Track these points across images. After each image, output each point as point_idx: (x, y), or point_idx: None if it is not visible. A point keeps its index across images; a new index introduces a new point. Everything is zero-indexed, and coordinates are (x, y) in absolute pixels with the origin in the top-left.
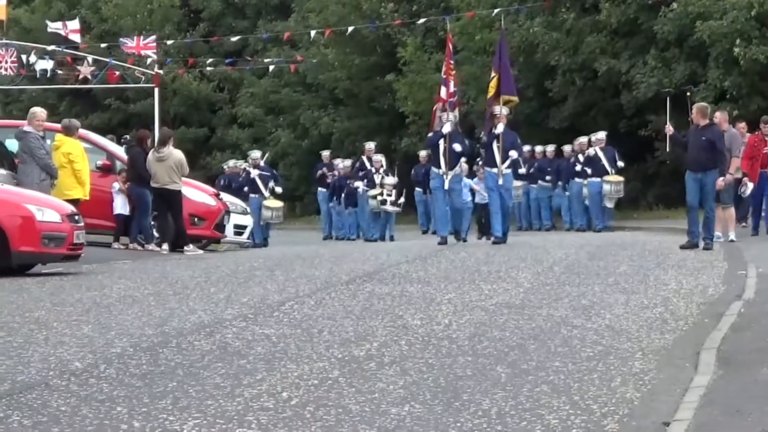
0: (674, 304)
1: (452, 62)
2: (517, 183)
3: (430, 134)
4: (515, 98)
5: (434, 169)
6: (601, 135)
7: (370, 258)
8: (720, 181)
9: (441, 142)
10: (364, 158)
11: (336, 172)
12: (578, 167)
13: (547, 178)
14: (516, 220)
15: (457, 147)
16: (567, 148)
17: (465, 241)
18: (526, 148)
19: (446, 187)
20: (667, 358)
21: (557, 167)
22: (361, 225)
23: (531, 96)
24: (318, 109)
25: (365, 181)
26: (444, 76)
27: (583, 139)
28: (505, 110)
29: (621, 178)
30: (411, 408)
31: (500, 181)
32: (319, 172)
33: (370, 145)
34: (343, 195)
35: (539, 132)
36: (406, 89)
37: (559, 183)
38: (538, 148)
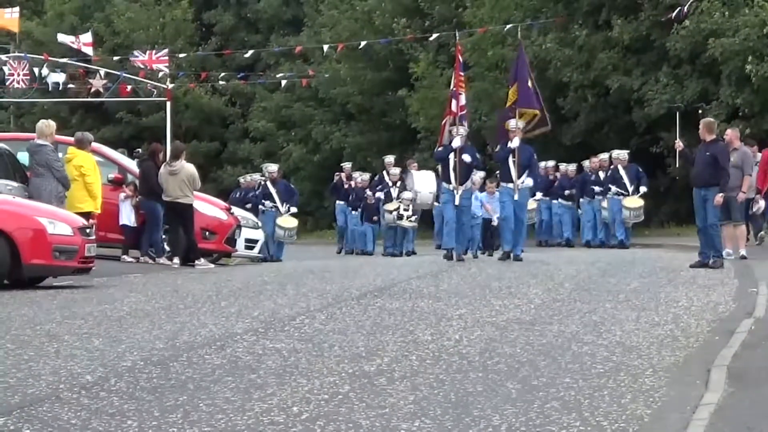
0: (685, 321)
1: (462, 74)
2: (532, 204)
3: (439, 148)
4: (534, 111)
5: (444, 184)
6: (624, 153)
7: (381, 273)
8: (718, 198)
9: (451, 156)
10: (384, 173)
11: (353, 183)
12: (598, 185)
13: (566, 192)
14: (535, 235)
15: (467, 158)
16: (586, 163)
17: (476, 257)
18: (550, 163)
19: (457, 202)
20: (677, 375)
21: (581, 183)
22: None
23: None
24: (330, 123)
25: (383, 194)
26: (454, 89)
27: (604, 156)
28: (521, 124)
29: (641, 203)
30: (421, 423)
31: (516, 197)
32: (336, 177)
33: (390, 159)
34: (360, 208)
35: (551, 148)
36: (418, 105)
37: (581, 199)
38: (561, 166)
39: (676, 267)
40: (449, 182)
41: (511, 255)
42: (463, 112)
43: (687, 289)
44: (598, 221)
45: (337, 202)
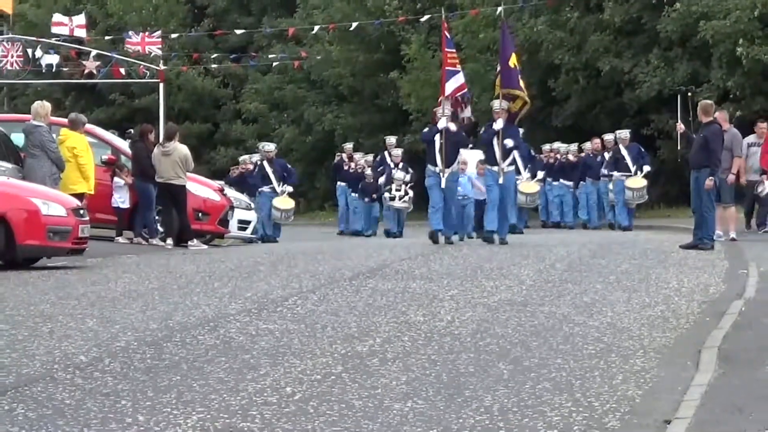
0: (675, 303)
1: (451, 50)
2: (535, 187)
3: (425, 130)
4: (518, 92)
5: (430, 167)
6: (626, 133)
7: (373, 254)
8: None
9: (437, 137)
10: (386, 153)
11: (353, 164)
12: (604, 166)
13: (562, 181)
14: (540, 216)
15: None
16: (587, 145)
17: (470, 237)
18: (556, 145)
19: (443, 185)
20: (668, 356)
21: (583, 165)
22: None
23: (534, 94)
24: (322, 105)
25: (384, 175)
26: (447, 68)
27: (608, 137)
28: (504, 104)
29: (644, 183)
30: (413, 404)
31: (501, 180)
32: (338, 157)
33: (391, 140)
34: (359, 186)
35: (542, 130)
36: (410, 86)
37: (583, 181)
38: (562, 148)
39: (666, 248)
40: (435, 164)
41: (497, 238)
42: (465, 90)
43: (677, 271)
44: (605, 203)
45: (339, 183)
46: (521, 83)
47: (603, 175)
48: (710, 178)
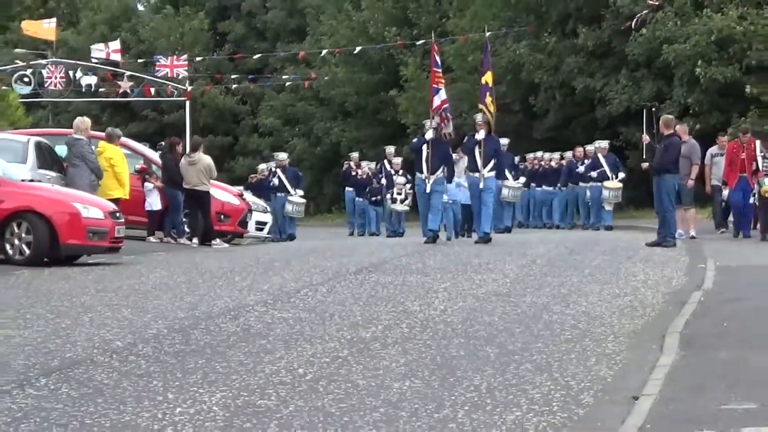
0: (642, 294)
1: (438, 70)
2: (517, 184)
3: (414, 140)
4: (481, 106)
5: (418, 174)
6: (605, 144)
7: (375, 252)
8: (690, 182)
9: (424, 147)
10: (385, 161)
11: (360, 171)
12: (582, 171)
13: (544, 187)
14: (522, 217)
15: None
16: (568, 154)
17: (449, 239)
18: (538, 154)
19: (428, 190)
20: (636, 341)
21: (561, 171)
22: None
23: (517, 110)
24: (329, 120)
25: (386, 181)
26: (434, 86)
27: (589, 147)
28: (486, 117)
29: (620, 185)
30: (411, 383)
31: (481, 185)
32: (346, 165)
33: (391, 150)
34: (367, 190)
35: (524, 142)
36: (407, 103)
37: (559, 187)
38: (546, 155)
39: (634, 246)
40: (422, 172)
41: (478, 236)
42: (446, 105)
43: (644, 265)
44: (581, 205)
45: (347, 189)
46: (487, 99)
47: (587, 177)
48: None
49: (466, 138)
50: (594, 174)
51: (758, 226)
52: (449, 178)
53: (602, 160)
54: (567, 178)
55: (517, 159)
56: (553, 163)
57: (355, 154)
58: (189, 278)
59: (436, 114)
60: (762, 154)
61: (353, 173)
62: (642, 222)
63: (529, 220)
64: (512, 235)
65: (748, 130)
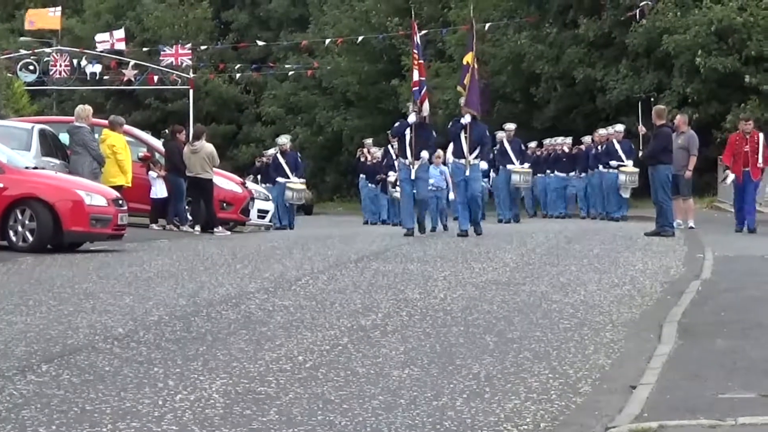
0: (641, 283)
1: (415, 52)
2: (527, 169)
3: (396, 124)
4: (459, 87)
5: (401, 160)
6: (620, 128)
7: (375, 240)
8: (688, 173)
9: (407, 132)
10: (389, 147)
11: (370, 157)
12: (598, 157)
13: (556, 172)
14: (530, 207)
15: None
16: (586, 139)
17: (434, 230)
18: (548, 141)
19: (413, 177)
20: (634, 330)
21: (575, 157)
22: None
23: (518, 99)
24: (331, 109)
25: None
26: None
27: (603, 131)
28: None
29: (636, 169)
30: (410, 371)
31: (467, 172)
32: (359, 153)
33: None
34: (376, 178)
35: (525, 131)
36: (409, 92)
37: (573, 174)
38: (558, 139)
39: (633, 235)
40: (405, 157)
41: (468, 231)
42: (416, 88)
43: (642, 255)
44: (596, 195)
45: (360, 176)
46: (466, 79)
47: (611, 166)
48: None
49: (450, 123)
50: (614, 163)
51: None
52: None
53: (617, 146)
54: (586, 164)
55: (533, 144)
56: (565, 148)
57: (369, 141)
58: (191, 266)
59: (412, 94)
60: None
61: (363, 158)
62: (641, 212)
63: (546, 209)
64: (513, 225)
65: (750, 117)
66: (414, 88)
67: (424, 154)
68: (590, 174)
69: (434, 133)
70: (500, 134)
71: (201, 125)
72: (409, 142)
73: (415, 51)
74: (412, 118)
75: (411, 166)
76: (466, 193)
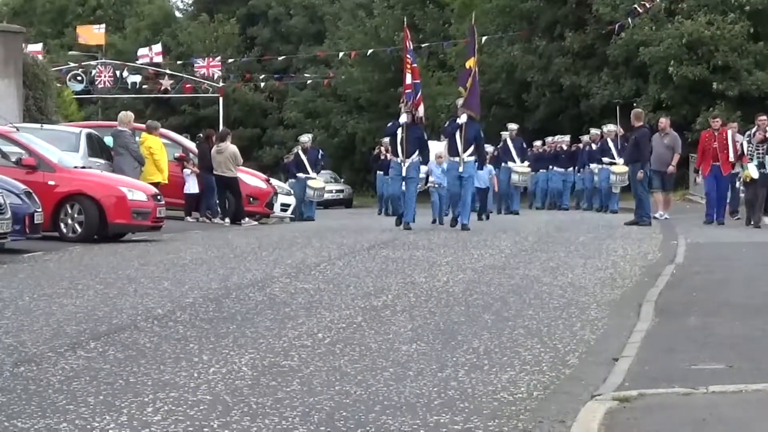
0: (621, 267)
1: (408, 57)
2: (527, 169)
3: (388, 124)
4: (460, 88)
5: (393, 158)
6: (612, 127)
7: (385, 230)
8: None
9: (399, 131)
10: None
11: (387, 154)
12: (592, 154)
13: (558, 169)
14: (537, 200)
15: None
16: (585, 138)
17: (434, 222)
18: (549, 139)
19: (404, 174)
20: (616, 309)
21: (572, 154)
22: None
23: (511, 104)
24: (345, 114)
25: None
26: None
27: (596, 131)
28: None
29: (625, 168)
30: (417, 346)
31: (461, 169)
32: (376, 150)
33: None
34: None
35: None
36: None
37: (571, 169)
38: (557, 138)
39: (614, 225)
40: (398, 156)
41: (459, 222)
42: (409, 91)
43: (623, 242)
44: (591, 189)
45: (378, 172)
46: (468, 82)
47: (605, 163)
48: (641, 171)
49: (447, 122)
50: (606, 160)
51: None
52: (425, 161)
53: (610, 144)
54: (570, 162)
55: (538, 143)
56: (564, 146)
57: (385, 139)
58: (221, 253)
59: (404, 97)
60: (747, 139)
61: (381, 156)
62: (622, 204)
63: (545, 203)
64: (508, 216)
65: (719, 116)
66: (407, 91)
67: (415, 157)
68: (585, 171)
69: (425, 134)
70: (504, 133)
71: (226, 128)
72: (401, 141)
73: (408, 56)
74: (403, 119)
75: (402, 164)
76: (460, 190)
